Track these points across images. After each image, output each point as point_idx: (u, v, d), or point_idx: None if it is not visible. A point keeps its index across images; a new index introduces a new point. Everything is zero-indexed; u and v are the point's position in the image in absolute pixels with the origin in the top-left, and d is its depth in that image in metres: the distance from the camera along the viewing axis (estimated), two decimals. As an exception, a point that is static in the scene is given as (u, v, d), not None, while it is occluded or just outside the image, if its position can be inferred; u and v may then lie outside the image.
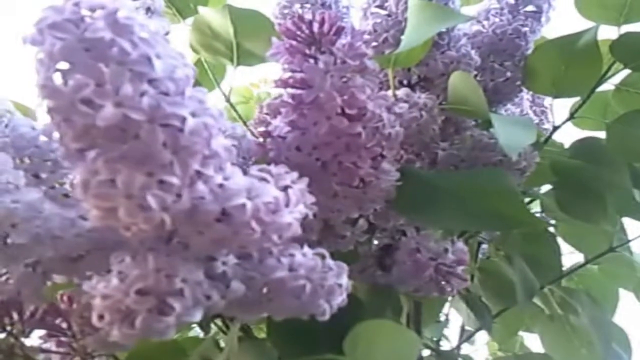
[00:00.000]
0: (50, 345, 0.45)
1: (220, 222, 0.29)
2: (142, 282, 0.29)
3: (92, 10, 0.24)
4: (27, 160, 0.38)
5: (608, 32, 0.59)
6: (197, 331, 0.66)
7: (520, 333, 0.91)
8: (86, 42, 0.24)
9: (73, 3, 0.24)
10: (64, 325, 0.44)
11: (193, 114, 0.27)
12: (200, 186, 0.28)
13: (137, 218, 0.27)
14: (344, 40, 0.37)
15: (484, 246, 0.74)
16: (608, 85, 0.63)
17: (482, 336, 0.96)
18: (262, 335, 0.55)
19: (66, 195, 0.38)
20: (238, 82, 0.65)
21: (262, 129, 0.46)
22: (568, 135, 0.67)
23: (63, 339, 0.45)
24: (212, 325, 0.57)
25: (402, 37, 0.47)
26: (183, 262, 0.31)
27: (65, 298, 0.43)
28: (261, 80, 1.01)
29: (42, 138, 0.38)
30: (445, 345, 0.90)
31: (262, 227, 0.29)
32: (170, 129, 0.26)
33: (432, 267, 0.47)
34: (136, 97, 0.24)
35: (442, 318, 0.88)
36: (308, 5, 0.60)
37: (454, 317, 0.86)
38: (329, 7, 0.60)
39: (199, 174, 0.28)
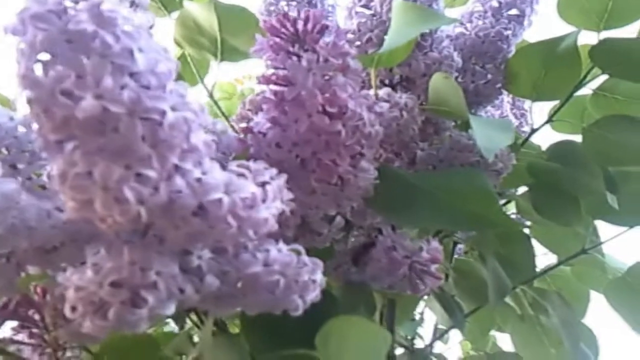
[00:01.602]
0: (22, 336, 0.45)
1: (197, 217, 0.29)
2: (117, 275, 0.29)
3: (76, 1, 0.24)
4: (4, 151, 0.37)
5: (588, 38, 0.60)
6: (172, 326, 0.66)
7: (493, 332, 0.92)
8: (68, 33, 0.24)
9: (56, -6, 0.24)
10: (37, 317, 0.44)
11: (173, 108, 0.27)
12: (178, 180, 0.28)
13: (113, 210, 0.27)
14: (327, 38, 0.37)
15: (460, 246, 0.75)
16: (586, 90, 0.63)
17: (455, 335, 0.97)
18: (237, 330, 0.55)
19: (43, 187, 0.37)
20: (222, 78, 0.65)
21: (243, 124, 0.46)
22: (546, 138, 0.68)
23: (35, 330, 0.45)
24: (187, 320, 0.57)
25: (386, 37, 0.47)
26: (158, 255, 0.31)
27: (38, 290, 0.43)
28: (245, 76, 1.01)
29: (21, 129, 0.37)
30: (419, 344, 0.90)
31: (238, 222, 0.29)
32: (150, 123, 0.26)
33: (406, 265, 0.47)
34: (116, 90, 0.24)
35: (417, 317, 0.89)
36: (294, 3, 0.60)
37: (428, 316, 0.87)
38: (315, 5, 0.60)
39: (177, 167, 0.28)
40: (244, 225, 0.30)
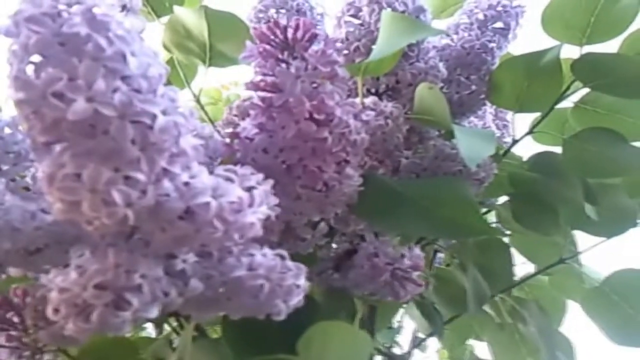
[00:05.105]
0: (0, 339, 0.45)
1: (183, 220, 0.29)
2: (101, 277, 0.29)
3: (70, 5, 0.24)
4: (-12, 152, 0.37)
5: (570, 52, 0.61)
6: (149, 332, 0.66)
7: (470, 342, 0.93)
8: (62, 36, 0.24)
9: (51, -4, 0.24)
10: (16, 319, 0.44)
11: (164, 112, 0.27)
12: (166, 183, 0.28)
13: (100, 213, 0.27)
14: (316, 47, 0.38)
15: (440, 255, 0.76)
16: (567, 103, 0.64)
17: (432, 343, 0.97)
18: (215, 336, 0.55)
19: (26, 189, 0.37)
20: (207, 83, 0.66)
21: (229, 130, 0.46)
22: (527, 149, 0.69)
23: (13, 333, 0.44)
24: (166, 326, 0.57)
25: (374, 47, 0.48)
26: (143, 258, 0.31)
27: (18, 292, 0.43)
28: (231, 82, 1.01)
29: (7, 130, 0.37)
30: (396, 352, 0.91)
31: (225, 226, 0.29)
32: (140, 126, 0.26)
33: (388, 272, 0.48)
34: (108, 93, 0.25)
35: (395, 325, 0.89)
36: (283, 11, 0.60)
37: (406, 325, 0.88)
38: (304, 13, 0.60)
39: (165, 171, 0.28)
40: (231, 229, 0.30)
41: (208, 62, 0.60)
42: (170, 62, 0.62)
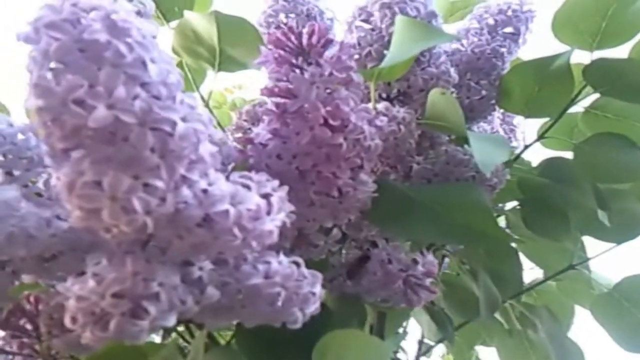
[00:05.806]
0: (13, 347, 0.44)
1: (202, 227, 0.29)
2: (119, 285, 0.29)
3: (90, 11, 0.24)
4: (1, 158, 0.37)
5: (581, 57, 0.61)
6: (151, 337, 0.65)
7: (476, 347, 0.92)
8: (82, 42, 0.23)
9: (71, 3, 0.23)
10: (29, 326, 0.43)
11: (184, 119, 0.27)
12: (185, 191, 0.28)
13: (120, 220, 0.26)
14: (331, 52, 0.37)
15: (446, 260, 0.75)
16: (576, 108, 0.64)
17: (438, 350, 0.97)
18: (223, 342, 0.55)
19: (39, 195, 0.37)
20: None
21: (239, 135, 0.45)
22: (534, 155, 0.68)
23: (26, 340, 0.44)
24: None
25: (386, 52, 0.47)
26: (160, 266, 0.30)
27: (31, 299, 0.43)
28: (235, 86, 1.01)
29: (20, 136, 0.37)
30: (402, 357, 0.90)
31: (243, 233, 0.29)
32: (160, 133, 0.26)
33: (401, 279, 0.48)
34: (129, 100, 0.24)
35: (400, 331, 0.89)
36: (293, 16, 0.60)
37: (411, 330, 0.87)
38: (314, 18, 0.60)
39: (184, 178, 0.28)
40: (249, 236, 0.30)
41: (217, 66, 0.59)
42: (179, 66, 0.62)
